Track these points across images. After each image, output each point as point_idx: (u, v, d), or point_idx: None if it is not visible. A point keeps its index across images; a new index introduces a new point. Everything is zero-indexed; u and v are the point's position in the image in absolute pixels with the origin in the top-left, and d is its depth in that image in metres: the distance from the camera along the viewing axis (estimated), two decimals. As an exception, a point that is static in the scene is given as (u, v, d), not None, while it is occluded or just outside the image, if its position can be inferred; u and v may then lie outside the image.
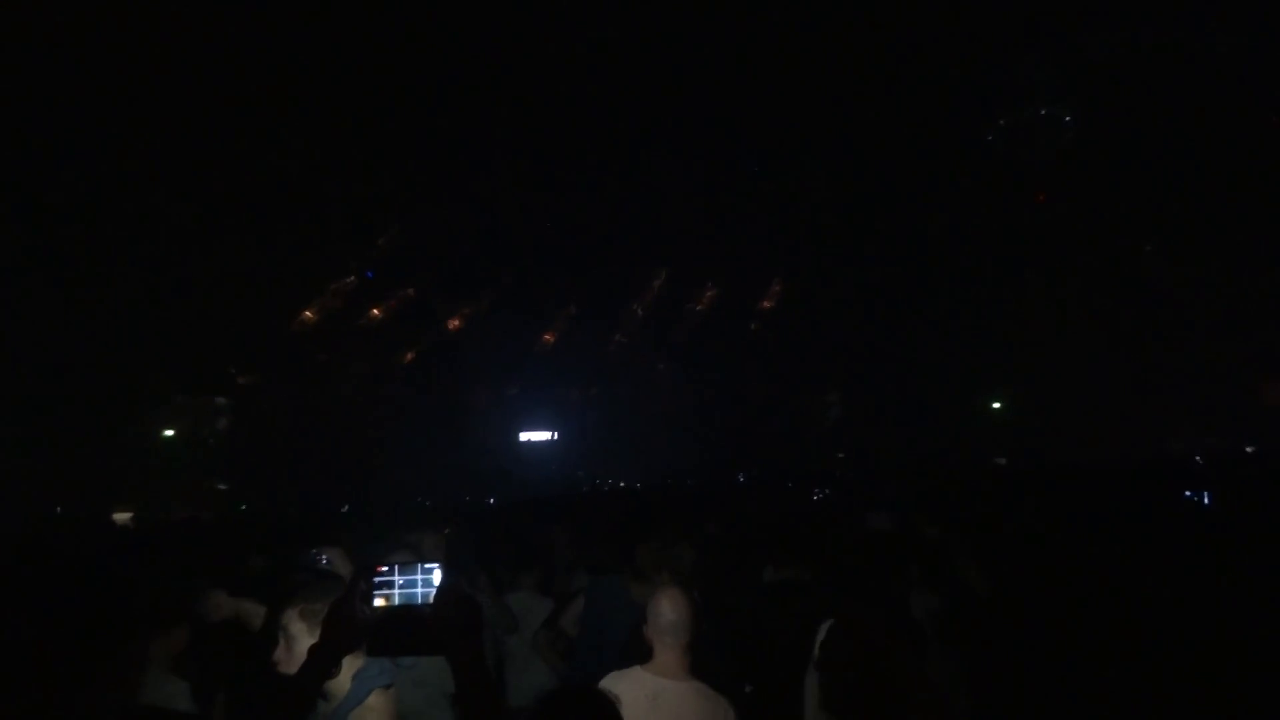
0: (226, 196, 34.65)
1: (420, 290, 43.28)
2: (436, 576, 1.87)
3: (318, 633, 2.28)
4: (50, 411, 28.48)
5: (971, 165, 39.52)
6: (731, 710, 2.99)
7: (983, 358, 37.65)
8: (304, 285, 40.17)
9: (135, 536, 13.07)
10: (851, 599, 3.48)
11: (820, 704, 3.38)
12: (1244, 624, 4.80)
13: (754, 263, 44.11)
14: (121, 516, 21.34)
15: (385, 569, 1.89)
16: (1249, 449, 23.35)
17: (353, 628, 1.90)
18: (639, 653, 3.12)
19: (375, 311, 42.49)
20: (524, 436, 42.72)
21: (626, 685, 2.77)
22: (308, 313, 40.63)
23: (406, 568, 1.89)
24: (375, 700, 2.39)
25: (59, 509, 24.64)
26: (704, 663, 3.13)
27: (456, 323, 44.11)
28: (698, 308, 46.69)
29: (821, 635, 3.50)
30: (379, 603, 1.87)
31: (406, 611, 1.86)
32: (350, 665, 2.31)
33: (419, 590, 1.86)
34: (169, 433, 35.36)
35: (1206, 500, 9.42)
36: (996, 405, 40.17)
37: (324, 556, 3.56)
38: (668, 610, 3.06)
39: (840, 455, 39.09)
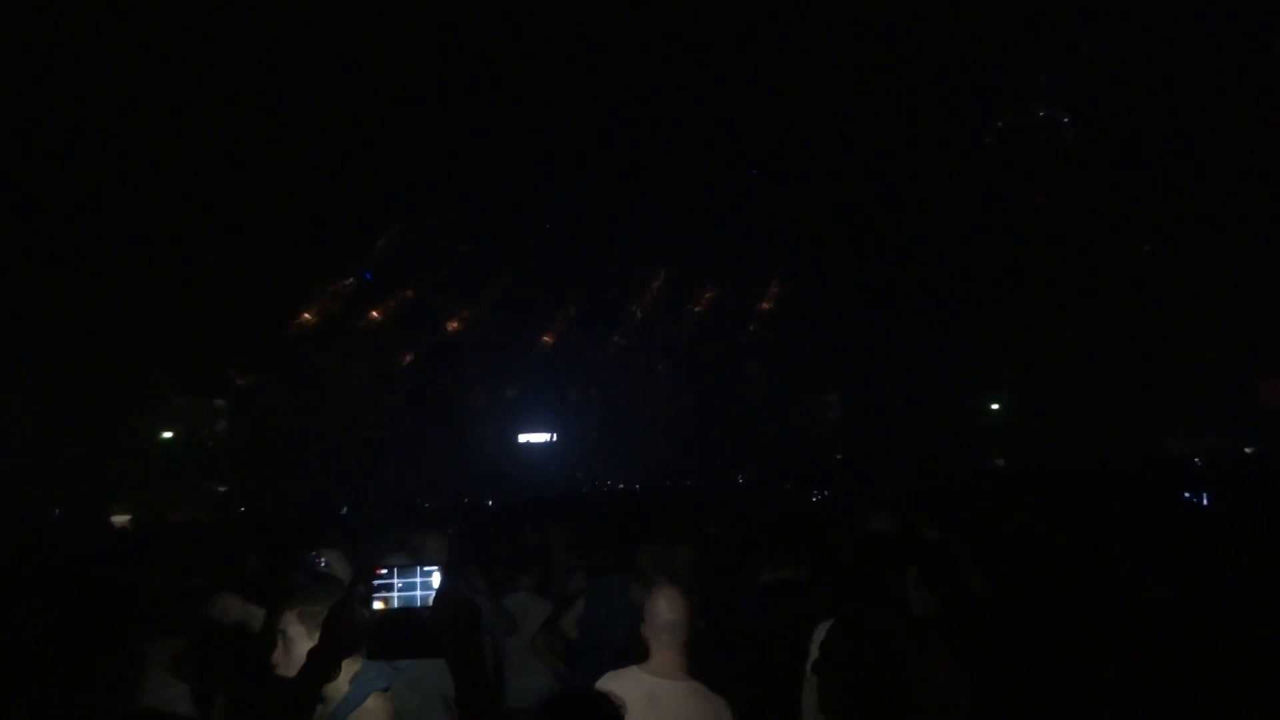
0: (225, 197, 34.64)
1: (419, 292, 43.28)
2: (436, 579, 1.86)
3: (316, 635, 2.27)
4: (48, 413, 28.45)
5: (970, 166, 39.55)
6: (728, 710, 2.99)
7: (981, 358, 37.68)
8: (302, 287, 40.15)
9: (134, 538, 13.05)
10: (851, 600, 3.48)
11: (820, 706, 3.38)
12: (1244, 624, 4.79)
13: (752, 264, 44.13)
14: (120, 519, 21.32)
15: (384, 572, 1.89)
16: (1248, 449, 23.36)
17: (352, 631, 1.89)
18: (637, 653, 3.12)
19: (374, 313, 42.48)
20: (523, 438, 42.71)
21: (623, 685, 2.77)
22: (306, 314, 40.62)
23: (405, 571, 1.88)
24: (373, 703, 2.39)
25: (57, 511, 24.62)
26: (701, 663, 3.13)
27: (455, 324, 44.10)
28: (696, 309, 46.71)
29: (819, 636, 3.50)
30: (378, 606, 1.87)
31: (406, 614, 1.85)
32: (348, 668, 2.31)
33: (418, 593, 1.86)
34: (167, 434, 35.32)
35: (1205, 501, 9.42)
36: (995, 406, 40.19)
37: (322, 559, 3.56)
38: (665, 610, 3.06)
39: (839, 457, 39.08)
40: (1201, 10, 33.03)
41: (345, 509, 20.99)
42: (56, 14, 28.79)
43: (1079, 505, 9.21)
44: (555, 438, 42.87)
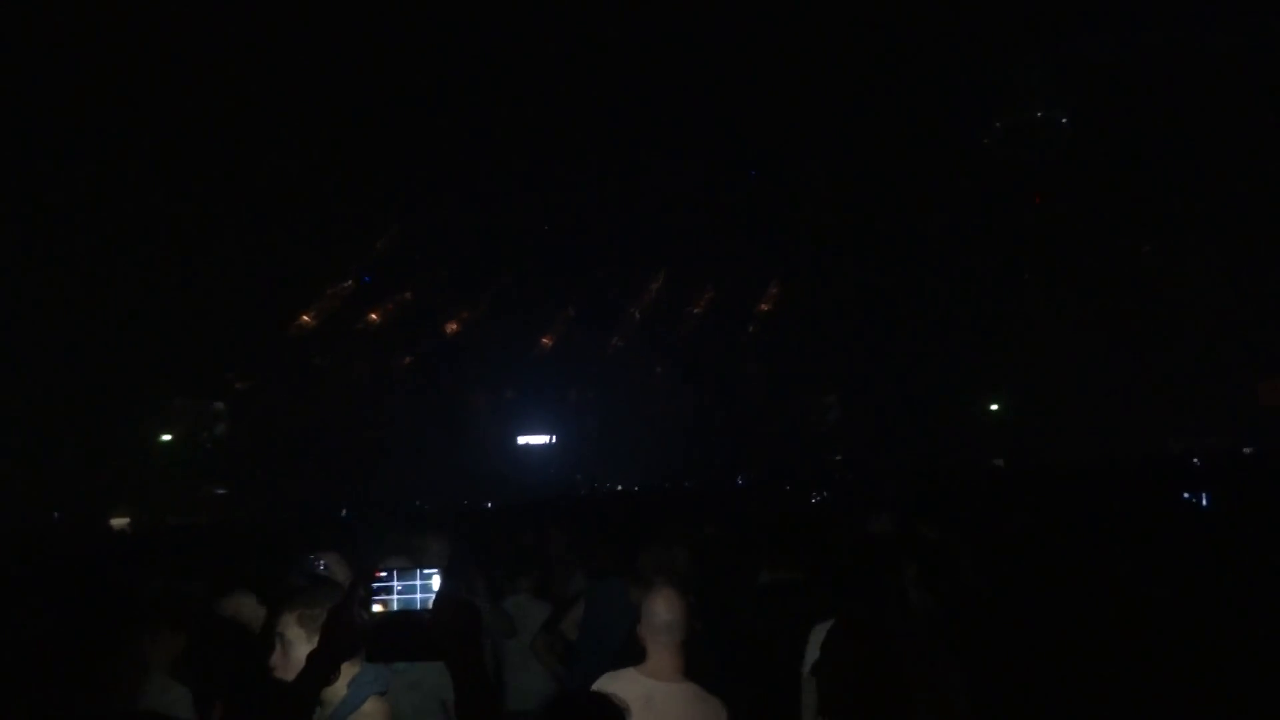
0: (223, 199, 34.63)
1: (418, 294, 43.27)
2: (435, 582, 1.86)
3: (314, 638, 2.27)
4: (48, 415, 28.43)
5: (969, 167, 39.57)
6: (725, 712, 2.98)
7: (980, 359, 37.68)
8: (302, 289, 40.14)
9: (132, 541, 13.06)
10: (851, 601, 3.48)
11: (820, 707, 3.38)
12: (1243, 624, 4.80)
13: (751, 265, 44.13)
14: (119, 522, 21.33)
15: (384, 574, 1.89)
16: (1247, 450, 23.36)
17: (351, 633, 1.89)
18: (635, 655, 3.12)
19: (373, 315, 42.47)
20: (522, 439, 42.68)
21: (620, 687, 2.76)
22: (305, 316, 40.60)
23: (405, 573, 1.88)
24: (371, 706, 2.38)
25: (56, 513, 24.61)
26: (699, 664, 3.12)
27: (454, 326, 44.09)
28: (695, 310, 46.71)
29: (816, 637, 3.50)
30: (377, 608, 1.86)
31: (406, 617, 1.85)
32: (346, 671, 2.31)
33: (418, 596, 1.86)
34: (166, 437, 35.29)
35: (1205, 501, 9.42)
36: (994, 407, 40.21)
37: (322, 561, 3.55)
38: (662, 611, 3.05)
39: (838, 457, 39.08)
40: (1201, 10, 33.08)
41: (345, 511, 20.99)
42: (57, 14, 28.79)
43: (1078, 505, 9.21)
44: (554, 439, 42.84)
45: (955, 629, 3.36)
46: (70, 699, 2.68)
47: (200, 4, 32.03)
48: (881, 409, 38.26)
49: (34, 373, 27.90)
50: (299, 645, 2.40)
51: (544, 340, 45.27)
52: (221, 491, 34.18)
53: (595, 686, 2.82)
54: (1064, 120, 38.68)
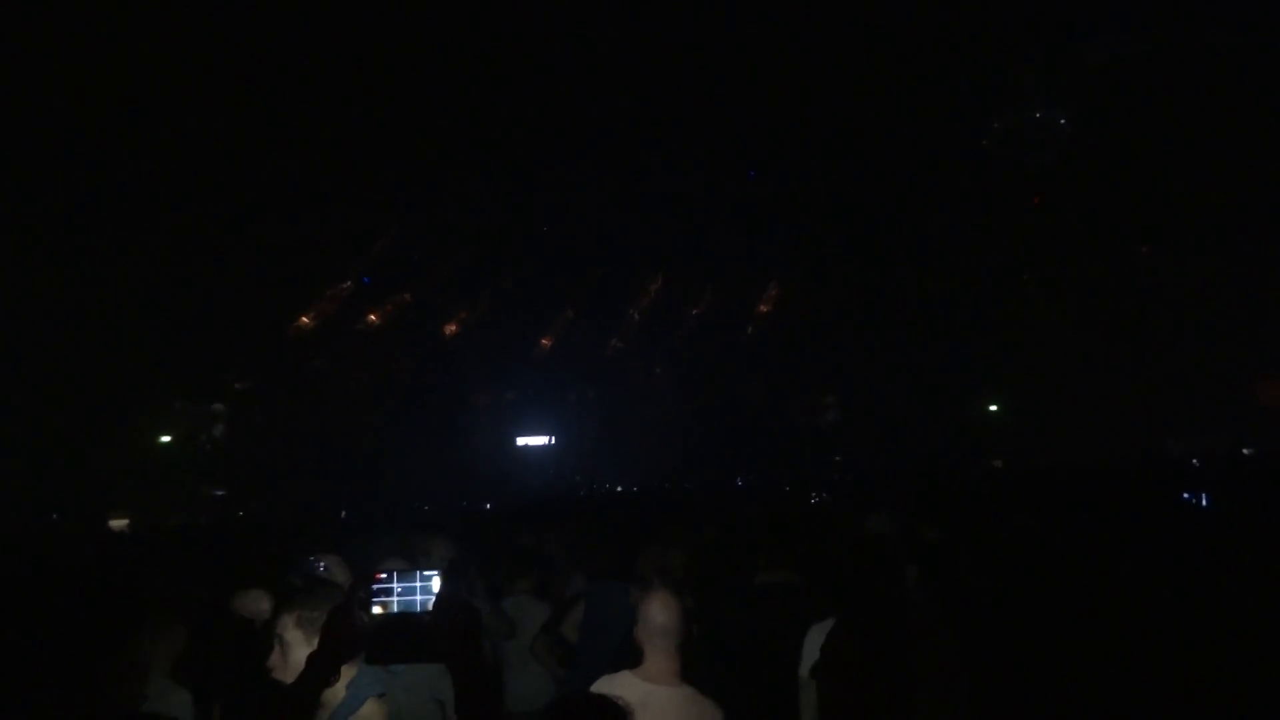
0: (222, 200, 34.62)
1: (417, 295, 43.27)
2: (435, 584, 1.86)
3: (313, 640, 2.27)
4: (46, 416, 28.42)
5: (968, 168, 39.58)
6: (720, 715, 2.98)
7: (979, 360, 37.70)
8: (300, 290, 40.12)
9: (132, 542, 13.05)
10: (852, 602, 3.48)
11: (820, 710, 3.37)
12: (1243, 625, 4.80)
13: (750, 266, 44.15)
14: (118, 523, 21.32)
15: (384, 576, 1.89)
16: (1246, 450, 23.38)
17: (351, 636, 1.89)
18: (633, 657, 3.12)
19: (372, 317, 42.46)
20: (521, 441, 42.68)
21: (616, 690, 2.76)
22: (304, 318, 40.59)
23: (405, 575, 1.88)
24: (370, 708, 2.39)
25: (55, 515, 24.59)
26: (694, 667, 3.12)
27: (453, 327, 44.08)
28: (695, 311, 46.72)
29: (813, 638, 3.50)
30: (377, 610, 1.86)
31: (406, 619, 1.85)
32: (345, 674, 2.30)
33: (418, 598, 1.85)
34: (165, 438, 35.28)
35: (1205, 502, 9.43)
36: (993, 408, 40.23)
37: (321, 563, 3.55)
38: (658, 614, 3.05)
39: (837, 458, 39.10)
40: (1200, 11, 33.10)
41: (344, 512, 21.01)
42: (57, 14, 28.78)
43: (1077, 506, 9.22)
44: (554, 440, 42.85)
45: (955, 630, 3.36)
46: (69, 702, 2.67)
47: (200, 4, 32.01)
48: (881, 410, 38.27)
49: (33, 374, 27.91)
50: (298, 647, 2.40)
51: (543, 341, 45.28)
52: (221, 493, 34.18)
53: (592, 690, 2.82)
54: (1063, 121, 38.68)
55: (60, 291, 29.53)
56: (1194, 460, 17.49)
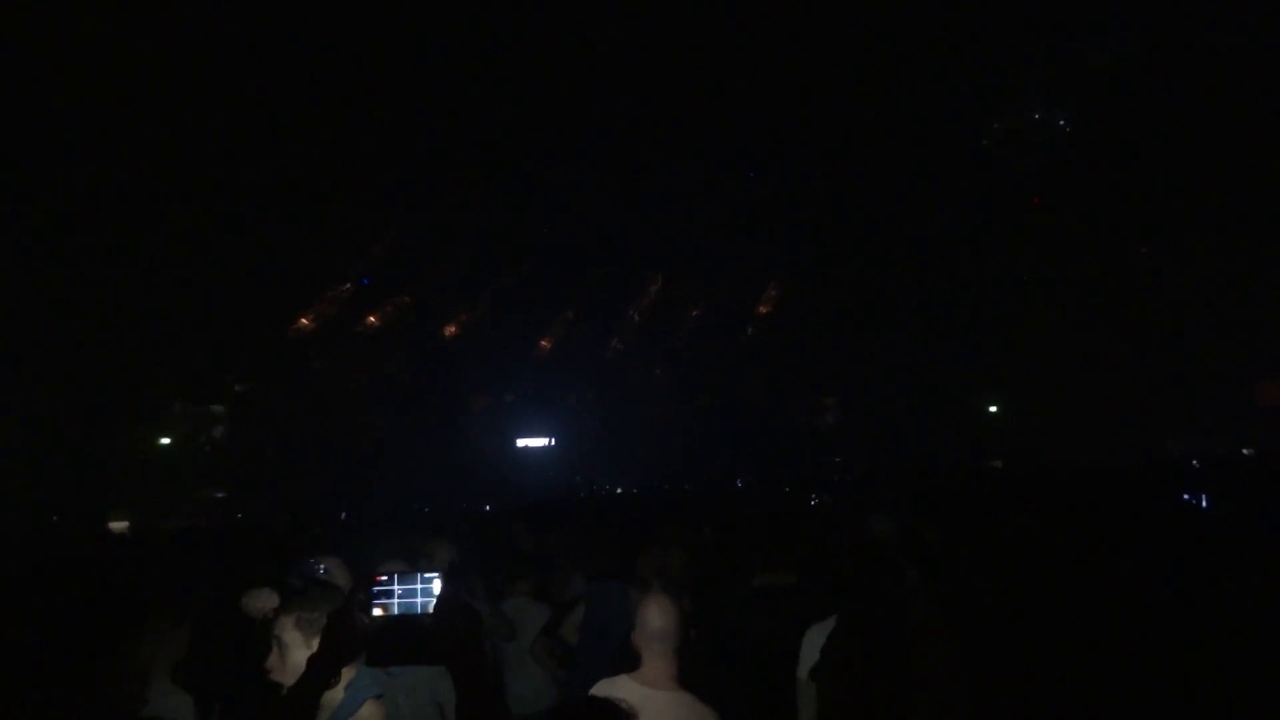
0: (222, 202, 34.64)
1: (416, 297, 43.27)
2: (436, 586, 1.86)
3: (312, 642, 2.26)
4: (47, 418, 28.41)
5: (968, 169, 39.60)
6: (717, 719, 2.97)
7: (979, 360, 37.69)
8: (300, 292, 40.13)
9: (132, 544, 13.04)
10: (852, 603, 3.48)
11: (820, 710, 3.37)
12: (1243, 625, 4.80)
13: (750, 267, 44.15)
14: (118, 525, 21.30)
15: (384, 578, 1.89)
16: (1246, 451, 23.38)
17: (352, 637, 1.89)
18: (632, 658, 3.11)
19: (371, 318, 42.45)
20: (521, 442, 42.65)
21: (613, 695, 2.75)
22: (304, 319, 40.59)
23: (406, 577, 1.88)
24: (368, 710, 2.38)
25: (55, 517, 24.56)
26: (692, 670, 3.11)
27: (453, 329, 44.08)
28: (694, 312, 46.71)
29: (812, 640, 3.49)
30: (378, 612, 1.86)
31: (407, 621, 1.85)
32: (344, 675, 2.30)
33: (418, 600, 1.85)
34: (165, 440, 35.27)
35: (1205, 503, 9.42)
36: (993, 408, 40.21)
37: (321, 565, 3.55)
38: (655, 618, 3.04)
39: (837, 459, 39.08)
40: (1200, 11, 33.12)
41: (344, 514, 20.99)
42: (57, 15, 28.79)
43: (1077, 507, 9.21)
44: (553, 442, 42.81)
45: (955, 630, 3.36)
46: (70, 705, 2.67)
47: (200, 6, 32.03)
48: (880, 410, 38.26)
49: (34, 376, 27.90)
50: (296, 648, 2.40)
51: (543, 343, 45.27)
52: (220, 495, 34.16)
53: (589, 695, 2.82)
54: (1063, 122, 38.71)
55: (61, 293, 29.53)
56: (1194, 461, 17.48)
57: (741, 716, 3.23)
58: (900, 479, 17.99)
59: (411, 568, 2.34)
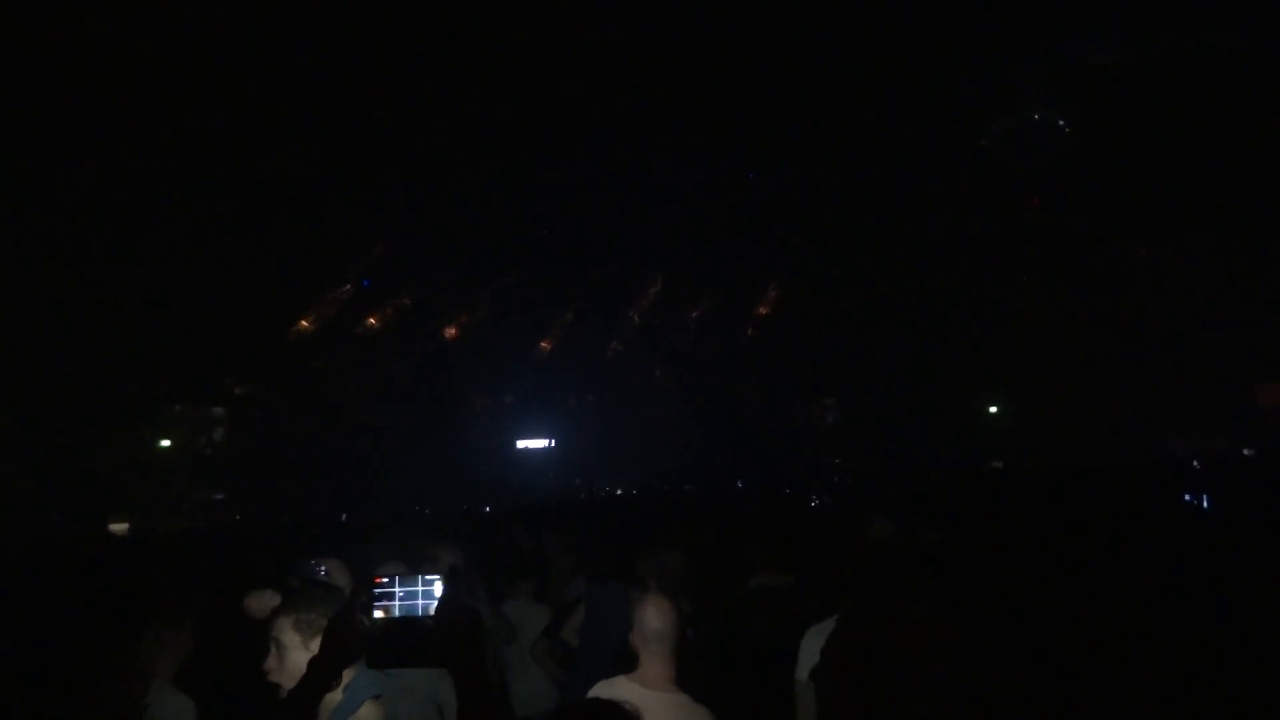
0: (222, 204, 34.63)
1: (416, 298, 43.27)
2: (437, 588, 1.86)
3: (311, 643, 2.26)
4: (46, 420, 28.41)
5: (967, 169, 39.59)
6: None
7: (979, 361, 37.70)
8: (300, 293, 40.13)
9: (132, 547, 13.04)
10: (852, 604, 3.48)
11: (819, 713, 3.37)
12: (1244, 626, 4.80)
13: (750, 268, 44.15)
14: (118, 527, 21.32)
15: (385, 580, 1.89)
16: (1247, 451, 23.40)
17: (354, 639, 1.89)
18: (631, 660, 3.11)
19: (371, 320, 42.46)
20: (521, 444, 42.64)
21: (611, 696, 2.76)
22: (304, 321, 40.59)
23: (407, 579, 1.88)
24: (367, 710, 2.38)
25: (55, 519, 24.57)
26: (690, 671, 3.12)
27: (453, 330, 44.09)
28: (694, 314, 46.71)
29: (810, 642, 3.49)
30: (379, 614, 1.86)
31: (408, 623, 1.85)
32: (342, 676, 2.30)
33: (419, 602, 1.86)
34: (165, 442, 35.27)
35: (1206, 503, 9.43)
36: (993, 409, 40.22)
37: (322, 567, 3.55)
38: (653, 618, 3.05)
39: (836, 460, 39.09)
40: (1200, 12, 33.11)
41: (344, 515, 21.00)
42: (57, 16, 28.78)
43: (1078, 508, 9.21)
44: (553, 443, 42.80)
45: (955, 631, 3.36)
46: (72, 708, 2.67)
47: (198, 7, 32.02)
48: (880, 411, 38.27)
49: (33, 378, 27.89)
50: (295, 649, 2.40)
51: (543, 344, 45.27)
52: (220, 497, 34.17)
53: (588, 696, 2.82)
54: (1062, 122, 38.71)
55: (61, 295, 29.53)
56: (1194, 462, 17.48)
57: (739, 717, 3.23)
58: (900, 480, 18.00)
59: (412, 569, 2.34)
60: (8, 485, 24.86)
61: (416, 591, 1.87)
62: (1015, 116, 38.81)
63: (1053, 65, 37.39)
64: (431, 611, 1.84)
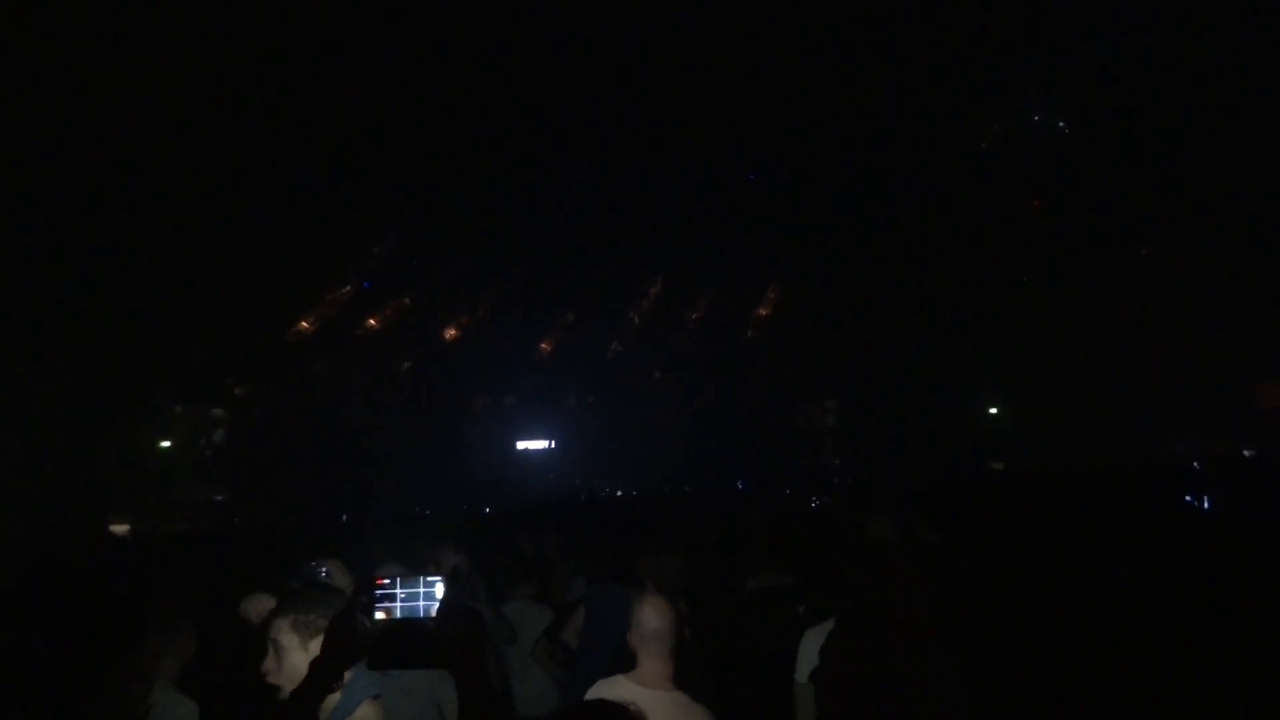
0: (222, 205, 34.63)
1: (416, 299, 43.28)
2: (438, 589, 1.86)
3: (310, 644, 2.27)
4: (46, 422, 28.39)
5: (967, 170, 39.59)
6: None
7: (979, 363, 37.68)
8: (300, 295, 40.12)
9: (133, 548, 13.03)
10: (851, 605, 3.48)
11: (819, 714, 3.37)
12: (1245, 627, 4.80)
13: (750, 269, 44.15)
14: (119, 528, 21.29)
15: (387, 581, 1.89)
16: (1247, 452, 23.37)
17: (355, 641, 1.89)
18: (630, 661, 3.12)
19: (371, 321, 42.46)
20: (521, 445, 42.64)
21: (610, 695, 2.76)
22: (304, 323, 40.58)
23: (408, 580, 1.88)
24: (365, 711, 2.38)
25: (55, 521, 24.53)
26: (689, 671, 3.12)
27: (453, 332, 44.09)
28: (694, 315, 46.71)
29: (810, 643, 3.49)
30: (380, 616, 1.87)
31: (409, 624, 1.85)
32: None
33: (421, 603, 1.86)
34: (165, 443, 35.25)
35: (1207, 504, 9.42)
36: (993, 410, 40.20)
37: (323, 568, 3.56)
38: (651, 618, 3.06)
39: (836, 462, 39.08)
40: (1199, 13, 33.13)
41: (345, 516, 21.00)
42: (56, 16, 28.78)
43: (1078, 509, 9.21)
44: (553, 444, 42.79)
45: (955, 633, 3.36)
46: (74, 710, 2.67)
47: (198, 8, 32.03)
48: (880, 413, 38.25)
49: (33, 379, 27.88)
50: (293, 651, 2.40)
51: (543, 345, 45.27)
52: (220, 498, 34.15)
53: (586, 695, 2.83)
54: (1062, 123, 38.71)
55: (60, 296, 29.52)
56: (1195, 463, 17.47)
57: (737, 717, 3.23)
58: (900, 481, 17.99)
59: (412, 570, 2.34)
60: (8, 486, 24.84)
61: (418, 593, 1.87)
62: (1015, 117, 38.82)
63: (1053, 65, 37.41)
64: (433, 613, 1.84)
